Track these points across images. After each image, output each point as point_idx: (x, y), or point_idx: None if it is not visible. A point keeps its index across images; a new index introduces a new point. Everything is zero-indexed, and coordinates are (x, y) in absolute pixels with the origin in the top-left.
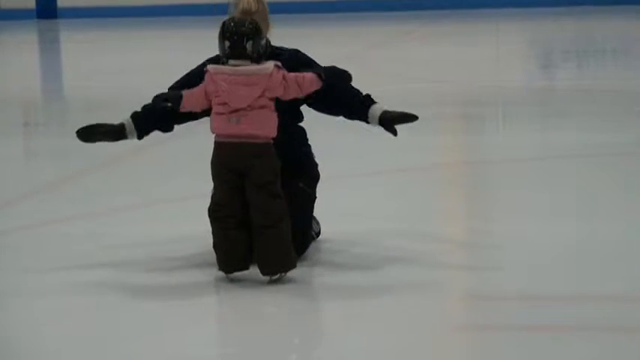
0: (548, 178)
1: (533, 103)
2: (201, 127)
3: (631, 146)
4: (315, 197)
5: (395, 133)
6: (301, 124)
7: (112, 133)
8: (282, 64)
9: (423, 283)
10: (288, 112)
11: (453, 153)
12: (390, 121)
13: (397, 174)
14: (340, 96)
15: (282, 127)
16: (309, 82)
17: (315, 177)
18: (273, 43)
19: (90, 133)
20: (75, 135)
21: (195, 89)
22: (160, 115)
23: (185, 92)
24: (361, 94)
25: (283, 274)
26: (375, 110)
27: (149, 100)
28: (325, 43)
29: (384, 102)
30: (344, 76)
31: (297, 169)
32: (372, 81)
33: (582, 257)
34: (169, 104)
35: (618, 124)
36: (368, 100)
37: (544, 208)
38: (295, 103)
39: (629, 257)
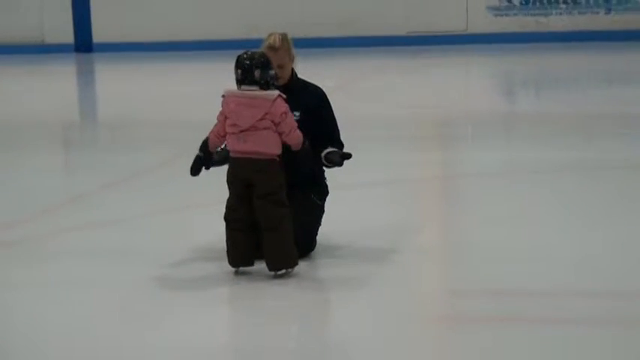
0: (512, 189)
1: (497, 124)
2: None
3: (582, 163)
4: (324, 209)
5: (338, 165)
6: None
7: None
8: (308, 96)
9: (405, 279)
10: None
11: (428, 167)
12: (328, 160)
13: (383, 185)
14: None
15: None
16: (295, 139)
17: (325, 192)
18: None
19: (196, 170)
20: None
21: (217, 124)
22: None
23: (210, 134)
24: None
25: (289, 269)
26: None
27: (170, 121)
28: (315, 75)
29: (370, 125)
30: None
31: (311, 184)
32: (359, 107)
33: (545, 257)
34: (201, 154)
35: (568, 144)
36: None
37: (509, 215)
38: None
39: (585, 257)
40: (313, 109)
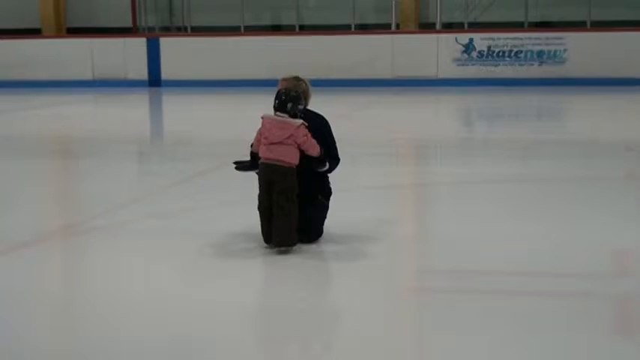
0: (470, 194)
1: (459, 146)
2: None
3: (521, 175)
4: (328, 207)
5: (315, 170)
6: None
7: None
8: (314, 122)
9: (388, 259)
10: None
11: (408, 177)
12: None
13: (374, 189)
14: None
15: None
16: (315, 152)
17: (329, 193)
18: None
19: (242, 168)
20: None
21: (256, 136)
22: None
23: (254, 145)
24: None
25: (290, 247)
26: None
27: (215, 139)
28: (323, 106)
29: (365, 144)
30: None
31: (319, 187)
32: (357, 130)
33: (495, 244)
34: (250, 160)
35: (511, 161)
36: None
37: (468, 213)
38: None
39: (524, 244)
40: (316, 131)
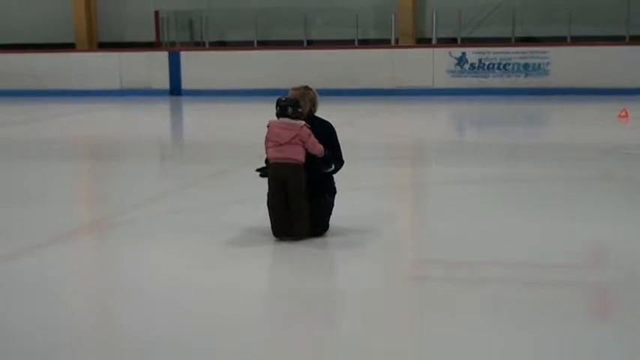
0: (463, 193)
1: (453, 149)
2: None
3: (509, 175)
4: (334, 204)
5: (321, 170)
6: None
7: None
8: (316, 126)
9: (387, 250)
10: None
11: (405, 177)
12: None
13: (375, 188)
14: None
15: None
16: (317, 151)
17: (334, 191)
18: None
19: (264, 175)
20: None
21: (265, 142)
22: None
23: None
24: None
25: (302, 237)
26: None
27: (231, 143)
28: (329, 114)
29: (367, 148)
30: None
31: (324, 185)
32: (360, 134)
33: (486, 237)
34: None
35: (500, 163)
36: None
37: (461, 209)
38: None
39: (513, 237)
40: (322, 136)
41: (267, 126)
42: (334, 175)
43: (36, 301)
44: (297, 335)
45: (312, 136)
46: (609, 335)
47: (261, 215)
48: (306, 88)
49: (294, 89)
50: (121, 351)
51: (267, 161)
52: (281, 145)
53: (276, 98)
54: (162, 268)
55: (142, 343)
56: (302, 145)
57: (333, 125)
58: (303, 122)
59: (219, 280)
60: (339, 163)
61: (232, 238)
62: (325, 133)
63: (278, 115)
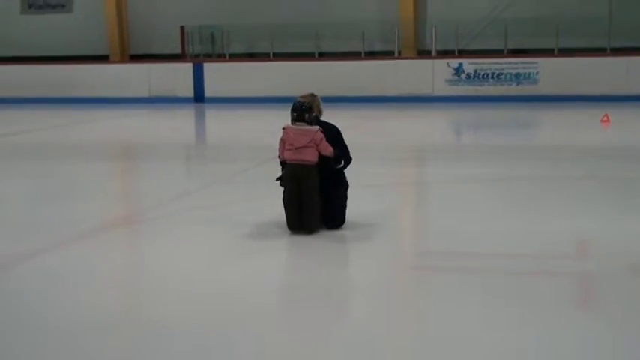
0: (460, 192)
1: (451, 152)
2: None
3: (502, 175)
4: (347, 196)
5: (334, 169)
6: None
7: None
8: (328, 130)
9: (392, 243)
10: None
11: (408, 176)
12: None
13: (380, 187)
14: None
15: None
16: (328, 152)
17: (347, 186)
18: None
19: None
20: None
21: (279, 147)
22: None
23: (280, 154)
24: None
25: (315, 231)
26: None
27: (250, 145)
28: (337, 118)
29: (372, 149)
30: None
31: (339, 182)
32: (367, 137)
33: (483, 232)
34: (281, 160)
35: (495, 164)
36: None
37: (460, 206)
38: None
39: (509, 231)
40: (330, 138)
41: (283, 129)
42: (345, 172)
43: (69, 290)
44: (310, 322)
45: (324, 140)
46: (593, 321)
47: (277, 211)
48: (312, 95)
49: (302, 97)
50: (143, 338)
51: (282, 164)
52: (297, 148)
53: (290, 104)
54: (187, 259)
55: (163, 331)
56: (315, 148)
57: (339, 128)
58: (317, 127)
59: (238, 271)
60: (348, 160)
61: (251, 232)
62: (332, 135)
63: (294, 120)
